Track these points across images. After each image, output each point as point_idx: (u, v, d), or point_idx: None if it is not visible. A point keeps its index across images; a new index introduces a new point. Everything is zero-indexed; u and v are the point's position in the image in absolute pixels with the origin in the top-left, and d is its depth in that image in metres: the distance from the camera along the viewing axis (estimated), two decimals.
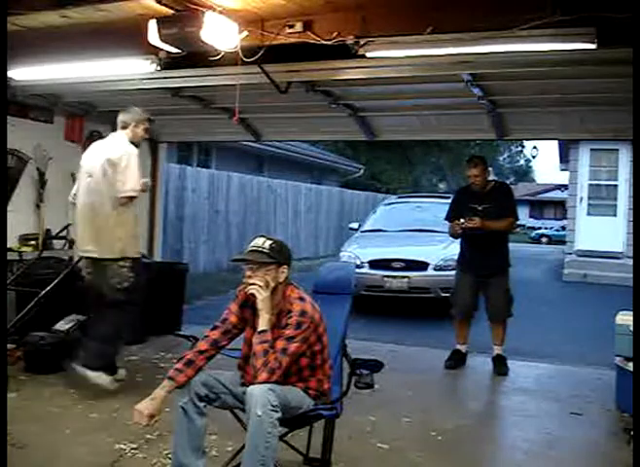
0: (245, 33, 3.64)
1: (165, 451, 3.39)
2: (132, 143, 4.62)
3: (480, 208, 5.42)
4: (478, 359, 5.98)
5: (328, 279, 3.49)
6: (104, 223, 4.49)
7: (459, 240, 5.82)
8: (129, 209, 4.55)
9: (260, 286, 2.79)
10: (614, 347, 4.52)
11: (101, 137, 6.79)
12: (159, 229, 7.89)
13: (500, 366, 5.53)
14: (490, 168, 5.76)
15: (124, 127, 4.64)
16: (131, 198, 4.50)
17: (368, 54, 3.70)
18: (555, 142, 14.91)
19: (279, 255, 2.84)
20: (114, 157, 4.47)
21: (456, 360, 5.64)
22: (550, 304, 9.75)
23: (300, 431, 3.09)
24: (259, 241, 2.86)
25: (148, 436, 3.62)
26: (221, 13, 3.46)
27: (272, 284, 2.81)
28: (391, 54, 3.79)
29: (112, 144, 4.62)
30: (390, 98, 5.68)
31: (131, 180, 4.45)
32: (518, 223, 6.09)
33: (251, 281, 2.81)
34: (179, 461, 2.80)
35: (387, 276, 8.17)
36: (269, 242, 2.85)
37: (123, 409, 3.96)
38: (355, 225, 10.52)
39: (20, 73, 4.57)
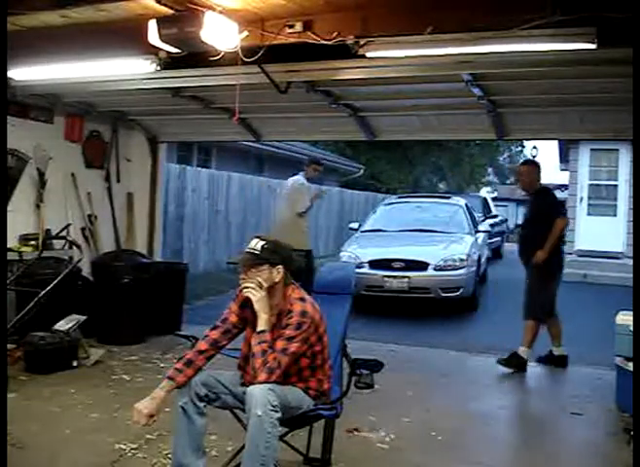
0: (245, 33, 3.63)
1: (165, 451, 3.39)
2: (308, 179, 7.49)
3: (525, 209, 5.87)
4: (478, 359, 5.98)
5: (328, 279, 3.49)
6: (288, 226, 7.15)
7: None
8: (303, 220, 7.38)
9: (252, 288, 2.79)
10: (614, 347, 4.53)
11: (100, 137, 6.89)
12: (159, 229, 7.88)
13: (509, 360, 5.53)
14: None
15: (306, 167, 7.55)
16: (302, 215, 7.32)
17: (368, 54, 3.69)
18: (555, 142, 14.88)
19: (272, 255, 2.83)
20: (294, 186, 7.43)
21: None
22: None
23: (300, 431, 3.10)
24: (252, 243, 2.87)
25: (148, 436, 3.62)
26: (221, 13, 3.45)
27: (266, 284, 2.81)
28: (391, 54, 3.79)
29: (296, 178, 7.52)
30: (390, 98, 5.68)
31: (301, 204, 7.30)
32: (519, 223, 6.14)
33: (244, 284, 2.82)
34: (179, 461, 2.80)
35: (387, 276, 8.16)
36: (262, 243, 2.85)
37: (123, 409, 3.96)
38: (355, 225, 10.49)
39: (20, 73, 4.56)
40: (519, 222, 7.77)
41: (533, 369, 5.75)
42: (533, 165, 5.94)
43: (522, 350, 5.56)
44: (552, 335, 5.69)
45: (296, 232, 7.11)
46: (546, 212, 5.58)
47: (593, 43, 3.25)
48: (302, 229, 7.32)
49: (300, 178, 7.53)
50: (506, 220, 18.09)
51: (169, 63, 4.08)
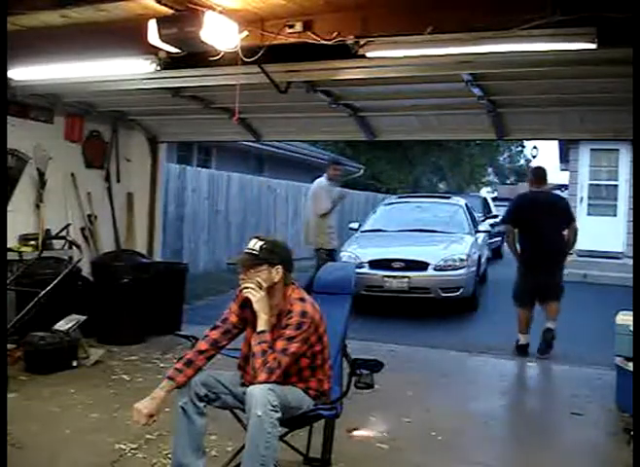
0: (245, 33, 3.63)
1: (165, 451, 3.39)
2: (330, 179, 7.72)
3: None
4: (478, 359, 5.98)
5: (328, 279, 3.48)
6: (312, 227, 7.64)
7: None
8: (325, 221, 7.59)
9: (252, 288, 2.79)
10: (614, 347, 4.53)
11: (100, 137, 6.88)
12: (158, 229, 7.88)
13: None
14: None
15: (327, 168, 7.88)
16: (323, 216, 7.53)
17: (368, 54, 3.69)
18: (555, 142, 14.88)
19: (270, 255, 2.83)
20: (316, 188, 7.77)
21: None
22: None
23: (300, 431, 3.10)
24: (251, 243, 2.87)
25: (148, 436, 3.62)
26: (221, 13, 3.45)
27: (265, 285, 2.81)
28: (391, 54, 3.79)
29: (319, 179, 7.84)
30: (390, 98, 5.68)
31: (321, 205, 7.57)
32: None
33: (244, 285, 2.82)
34: (179, 461, 2.80)
35: (387, 276, 8.15)
36: (260, 243, 2.84)
37: (123, 409, 3.96)
38: (355, 225, 10.48)
39: (20, 73, 4.56)
40: None
41: (533, 369, 5.76)
42: (530, 174, 6.70)
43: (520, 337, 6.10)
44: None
45: (319, 232, 7.57)
46: None
47: (593, 43, 3.26)
48: (324, 230, 7.58)
49: (322, 180, 7.77)
50: None
51: (169, 63, 4.08)
